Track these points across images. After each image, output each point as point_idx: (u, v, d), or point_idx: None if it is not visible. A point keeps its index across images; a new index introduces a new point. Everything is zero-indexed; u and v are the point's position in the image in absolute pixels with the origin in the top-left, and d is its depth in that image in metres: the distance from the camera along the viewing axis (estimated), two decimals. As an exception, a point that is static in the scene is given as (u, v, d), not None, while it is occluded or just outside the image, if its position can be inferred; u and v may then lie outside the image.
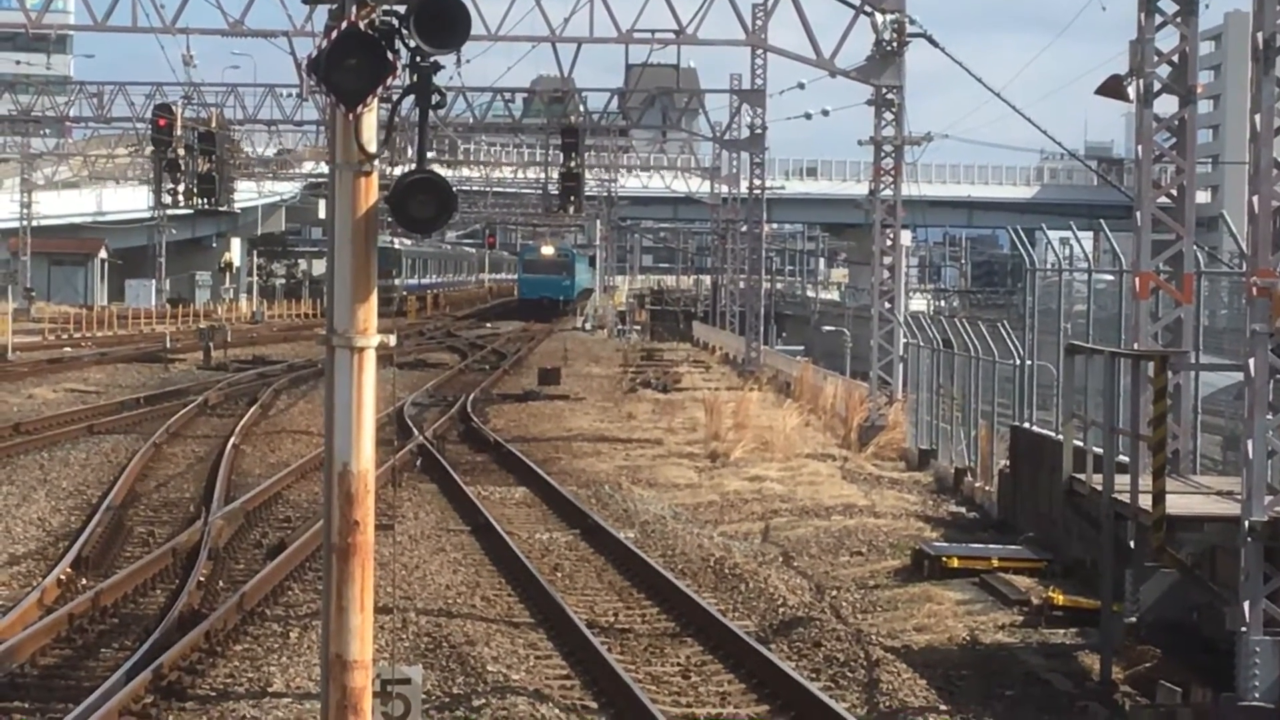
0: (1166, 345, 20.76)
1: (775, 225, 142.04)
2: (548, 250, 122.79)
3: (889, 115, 41.86)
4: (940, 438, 34.43)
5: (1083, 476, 19.15)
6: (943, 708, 16.30)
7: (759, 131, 67.51)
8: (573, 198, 68.80)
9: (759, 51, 63.59)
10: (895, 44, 40.35)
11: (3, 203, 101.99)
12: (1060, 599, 20.20)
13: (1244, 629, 15.31)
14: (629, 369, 64.11)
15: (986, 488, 29.11)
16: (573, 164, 67.22)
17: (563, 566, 23.40)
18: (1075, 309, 25.84)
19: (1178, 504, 16.93)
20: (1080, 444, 20.02)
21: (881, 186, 42.50)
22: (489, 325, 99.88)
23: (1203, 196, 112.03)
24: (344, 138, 10.72)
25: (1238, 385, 18.63)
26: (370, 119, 10.69)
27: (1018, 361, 28.24)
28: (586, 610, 20.34)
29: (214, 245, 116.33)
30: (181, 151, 63.99)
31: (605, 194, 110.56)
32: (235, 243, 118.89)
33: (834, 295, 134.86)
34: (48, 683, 16.54)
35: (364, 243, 10.81)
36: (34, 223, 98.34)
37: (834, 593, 21.97)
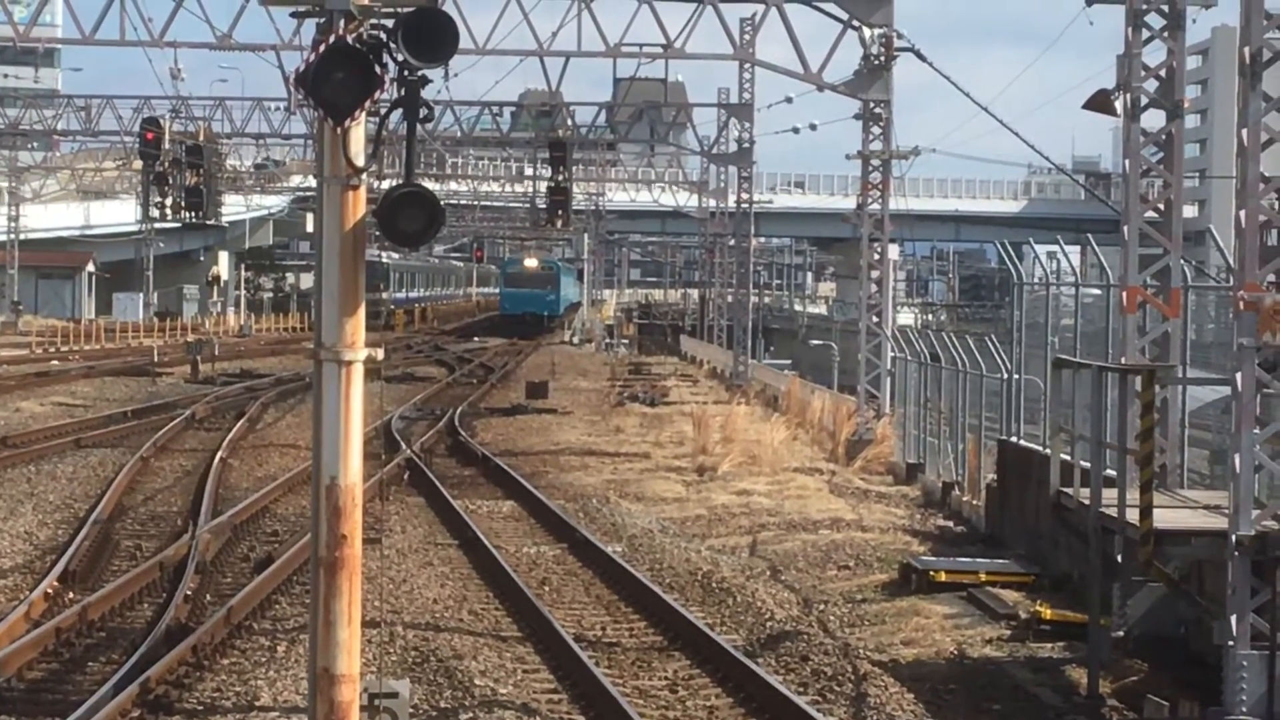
0: (1154, 359, 20.78)
1: (763, 239, 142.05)
2: (531, 263, 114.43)
3: (877, 129, 41.92)
4: (928, 452, 34.44)
5: (1070, 490, 19.15)
6: (930, 722, 16.32)
7: (747, 145, 67.60)
8: (561, 211, 68.91)
9: (747, 66, 63.68)
10: (883, 58, 40.40)
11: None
12: (1048, 613, 20.21)
13: (1231, 643, 15.31)
14: (617, 383, 64.08)
15: (974, 502, 29.11)
16: (561, 178, 67.33)
17: (550, 580, 23.38)
18: (1063, 323, 25.86)
19: (1165, 518, 16.94)
20: (1068, 458, 20.02)
21: (869, 200, 42.55)
22: (476, 339, 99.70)
23: (1190, 211, 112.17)
24: (332, 151, 10.72)
25: (1225, 399, 18.64)
26: (358, 133, 10.70)
27: (1005, 375, 28.25)
28: (574, 624, 20.32)
29: (202, 259, 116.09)
30: (169, 165, 63.99)
31: (593, 208, 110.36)
32: (223, 256, 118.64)
33: (822, 309, 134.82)
34: (35, 696, 16.49)
35: (352, 256, 10.81)
36: (21, 236, 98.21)
37: (821, 607, 21.95)
